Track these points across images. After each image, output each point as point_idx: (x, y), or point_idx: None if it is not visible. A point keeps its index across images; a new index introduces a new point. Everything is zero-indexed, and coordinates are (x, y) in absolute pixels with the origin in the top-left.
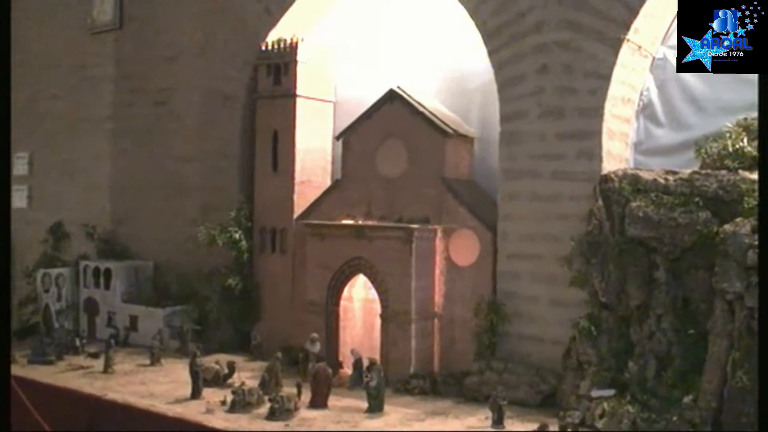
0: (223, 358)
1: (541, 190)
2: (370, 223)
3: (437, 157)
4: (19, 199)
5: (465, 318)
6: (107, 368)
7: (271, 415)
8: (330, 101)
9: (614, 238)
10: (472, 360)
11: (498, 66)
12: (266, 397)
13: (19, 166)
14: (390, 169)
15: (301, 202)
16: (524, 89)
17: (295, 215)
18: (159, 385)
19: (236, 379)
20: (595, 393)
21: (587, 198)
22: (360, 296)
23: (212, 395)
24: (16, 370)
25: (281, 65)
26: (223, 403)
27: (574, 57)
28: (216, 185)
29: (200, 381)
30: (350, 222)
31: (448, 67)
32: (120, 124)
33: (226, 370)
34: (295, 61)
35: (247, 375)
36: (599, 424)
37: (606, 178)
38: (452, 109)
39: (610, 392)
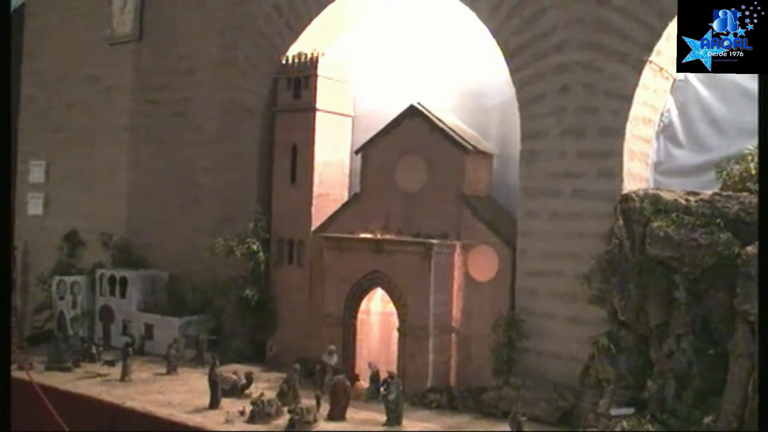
0: (239, 368)
1: (561, 208)
2: (389, 237)
3: (456, 173)
4: (35, 207)
5: (483, 333)
6: (124, 376)
7: (291, 427)
8: (349, 116)
9: (634, 257)
10: (490, 375)
11: (520, 85)
12: (285, 409)
13: (36, 173)
14: (409, 184)
15: (319, 215)
16: (545, 108)
17: (313, 228)
18: (176, 394)
19: (254, 390)
20: (614, 411)
21: (607, 217)
22: (377, 310)
23: (231, 405)
24: (34, 376)
25: (301, 79)
26: (242, 413)
27: (595, 77)
28: (234, 197)
29: (219, 391)
30: (368, 236)
31: (468, 84)
32: (137, 135)
33: (243, 381)
34: (315, 75)
35: (264, 386)
36: None
37: (627, 198)
38: (471, 125)
39: (629, 411)
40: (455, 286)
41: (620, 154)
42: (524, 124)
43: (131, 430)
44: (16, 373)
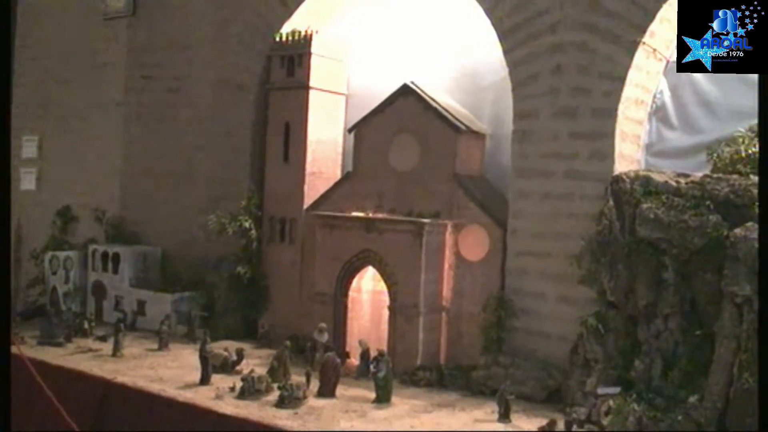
0: (230, 344)
1: (553, 189)
2: (380, 216)
3: (449, 153)
4: (28, 182)
5: (473, 312)
6: (116, 352)
7: (281, 403)
8: (343, 94)
9: (624, 238)
10: (479, 354)
11: (513, 65)
12: (275, 385)
13: (29, 148)
14: (402, 163)
15: (312, 193)
16: (538, 88)
17: (305, 206)
18: (167, 369)
19: (244, 366)
20: (601, 390)
21: (598, 198)
22: (368, 288)
23: (221, 381)
24: (25, 350)
25: (295, 57)
26: (232, 389)
27: (589, 58)
28: (226, 174)
29: (209, 367)
30: (360, 214)
31: (462, 64)
32: (131, 111)
33: (234, 357)
34: (309, 53)
35: (255, 362)
36: (605, 421)
37: (618, 179)
38: (465, 105)
39: (616, 390)
40: (446, 266)
41: (612, 136)
42: (517, 105)
43: (122, 405)
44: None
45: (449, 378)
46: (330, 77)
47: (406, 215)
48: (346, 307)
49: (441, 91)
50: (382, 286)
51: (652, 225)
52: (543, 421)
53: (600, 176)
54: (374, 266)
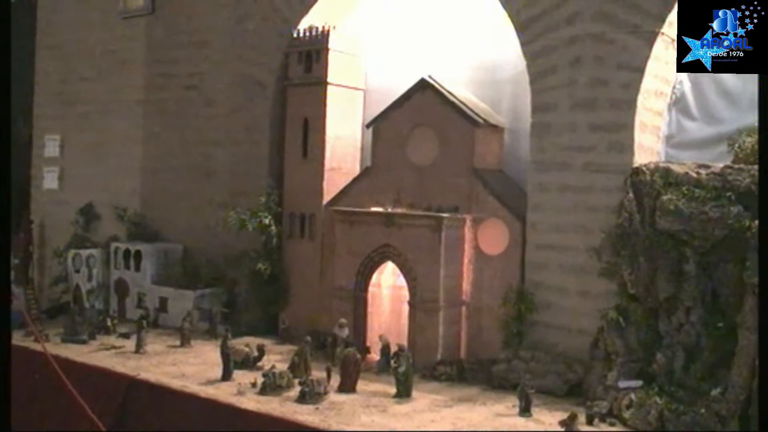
0: (252, 341)
1: (572, 182)
2: (399, 210)
3: (467, 147)
4: (50, 181)
5: (492, 306)
6: (139, 348)
7: (302, 398)
8: (361, 89)
9: (644, 230)
10: (500, 348)
11: (530, 57)
12: (296, 381)
13: (51, 148)
14: (420, 158)
15: (331, 188)
16: (556, 81)
17: (325, 201)
18: (190, 366)
19: (266, 362)
20: (622, 384)
21: (618, 190)
22: (388, 283)
23: (243, 377)
24: (49, 347)
25: (313, 52)
26: (254, 385)
27: (607, 49)
28: (245, 170)
29: (231, 363)
30: (380, 209)
31: (479, 57)
32: (151, 108)
33: (255, 353)
34: (327, 49)
35: (276, 358)
36: (626, 415)
37: (637, 171)
38: (483, 99)
39: (638, 383)
40: (465, 260)
41: (631, 127)
42: (535, 98)
43: (145, 401)
44: (32, 345)
45: (470, 372)
46: (347, 73)
47: (424, 210)
48: (366, 302)
49: (459, 85)
50: (401, 281)
51: (672, 217)
52: (564, 415)
53: (619, 168)
54: (394, 261)
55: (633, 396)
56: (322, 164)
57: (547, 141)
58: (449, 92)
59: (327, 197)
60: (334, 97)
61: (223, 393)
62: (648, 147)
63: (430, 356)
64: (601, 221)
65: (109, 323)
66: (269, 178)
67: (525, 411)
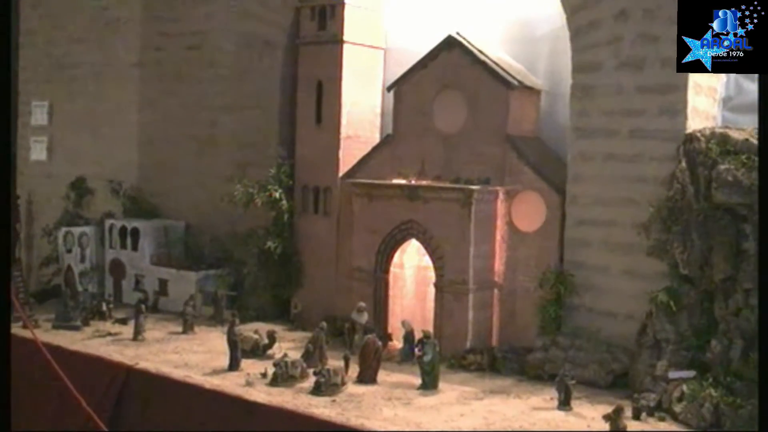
0: (262, 327)
1: (617, 150)
2: (424, 183)
3: (500, 112)
4: (38, 152)
5: (528, 289)
6: (137, 335)
7: (317, 390)
8: (380, 48)
9: (699, 204)
10: (536, 335)
11: (570, 11)
12: (311, 371)
13: (38, 115)
14: (447, 125)
15: (348, 159)
16: (600, 37)
17: (341, 173)
18: (193, 354)
19: (277, 350)
20: (672, 374)
21: (669, 159)
22: (412, 263)
23: (251, 367)
24: (39, 335)
25: (327, 8)
26: (264, 375)
27: (657, 1)
28: (254, 139)
29: (238, 351)
30: (402, 182)
31: (513, 12)
32: (148, 71)
33: (265, 340)
34: (343, 4)
35: (288, 346)
36: (677, 408)
37: (691, 138)
38: (517, 58)
39: (690, 374)
40: (498, 237)
41: (684, 89)
42: (576, 56)
43: (144, 393)
44: (21, 332)
45: (502, 361)
46: (366, 30)
47: (452, 182)
48: (387, 284)
49: (491, 43)
50: (427, 260)
51: (730, 188)
52: (608, 409)
53: (671, 135)
54: (418, 239)
55: (685, 388)
56: (338, 132)
57: (590, 104)
58: (479, 51)
59: (343, 168)
60: (350, 57)
61: (231, 384)
62: (703, 111)
63: (459, 344)
64: (650, 194)
65: (104, 308)
66: (279, 148)
67: (564, 404)
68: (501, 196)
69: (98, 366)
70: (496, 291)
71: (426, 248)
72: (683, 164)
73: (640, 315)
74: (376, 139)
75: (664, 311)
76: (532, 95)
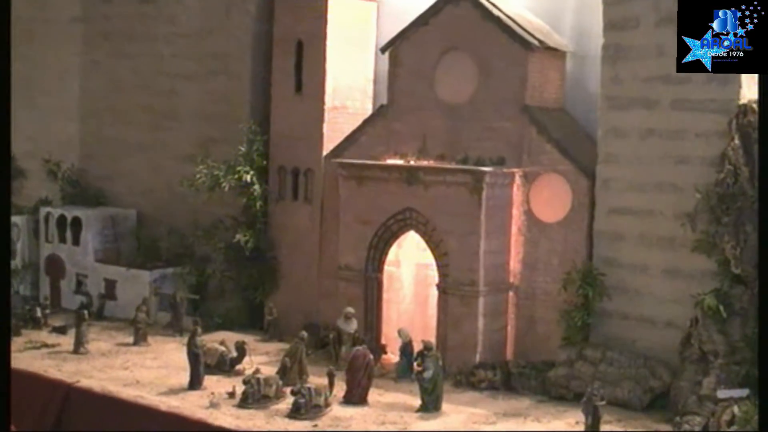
0: (229, 336)
1: (657, 124)
2: (425, 163)
3: (517, 78)
4: None
5: (549, 291)
6: (78, 347)
7: (295, 412)
8: (373, 1)
9: (754, 189)
10: (559, 347)
11: None
12: (288, 389)
13: None
14: (453, 93)
15: (333, 134)
16: None
17: (325, 152)
18: (146, 370)
19: (247, 365)
20: (722, 393)
21: (719, 135)
22: (411, 260)
23: (216, 385)
24: None
25: None
26: (232, 395)
27: None
28: (220, 111)
29: (201, 366)
30: (399, 162)
31: None
32: (93, 29)
33: (234, 353)
34: None
35: (262, 360)
36: None
37: (745, 110)
38: (538, 13)
39: (743, 392)
40: (514, 229)
41: None
42: (608, 11)
43: (87, 416)
44: None
45: (519, 378)
46: None
47: (459, 162)
48: (380, 285)
49: None
50: (428, 257)
51: None
52: None
53: (722, 106)
54: (417, 231)
55: (736, 409)
56: (322, 101)
57: (625, 69)
58: (493, 4)
59: (328, 146)
60: (337, 11)
61: (191, 405)
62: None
63: (467, 357)
64: (696, 177)
65: (38, 314)
66: (251, 122)
67: (592, 429)
68: (518, 179)
69: (31, 385)
70: (511, 294)
71: (427, 242)
72: (736, 141)
73: (684, 323)
74: (368, 110)
75: (713, 318)
76: (556, 58)
